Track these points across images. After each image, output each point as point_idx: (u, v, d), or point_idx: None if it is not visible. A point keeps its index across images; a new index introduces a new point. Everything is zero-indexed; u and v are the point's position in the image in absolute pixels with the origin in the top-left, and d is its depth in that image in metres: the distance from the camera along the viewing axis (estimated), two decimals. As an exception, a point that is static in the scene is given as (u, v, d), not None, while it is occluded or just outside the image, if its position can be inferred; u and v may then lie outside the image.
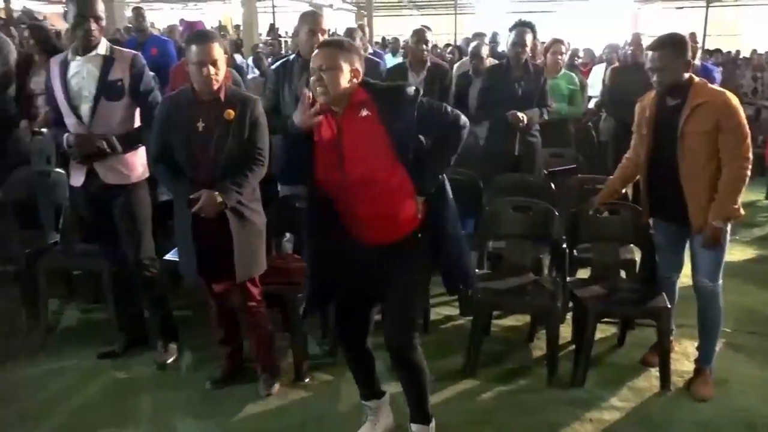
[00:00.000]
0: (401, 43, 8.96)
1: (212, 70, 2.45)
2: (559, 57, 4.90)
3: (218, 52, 2.47)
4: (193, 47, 2.45)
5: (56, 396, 2.80)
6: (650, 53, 2.65)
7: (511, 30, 3.95)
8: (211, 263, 2.61)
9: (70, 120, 2.80)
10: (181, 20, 4.83)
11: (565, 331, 3.17)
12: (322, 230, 2.22)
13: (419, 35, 4.14)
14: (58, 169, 3.70)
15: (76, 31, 2.73)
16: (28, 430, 2.56)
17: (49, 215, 3.66)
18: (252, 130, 2.57)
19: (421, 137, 2.13)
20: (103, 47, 2.79)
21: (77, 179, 2.88)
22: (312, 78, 2.06)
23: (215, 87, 2.49)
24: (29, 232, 3.65)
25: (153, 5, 22.34)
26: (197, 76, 2.45)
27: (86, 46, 2.75)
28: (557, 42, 5.03)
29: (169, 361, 3.04)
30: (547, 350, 2.91)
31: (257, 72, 8.60)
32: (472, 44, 4.94)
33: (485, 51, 4.83)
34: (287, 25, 20.30)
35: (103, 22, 2.78)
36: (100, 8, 2.76)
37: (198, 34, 2.55)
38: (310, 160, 2.11)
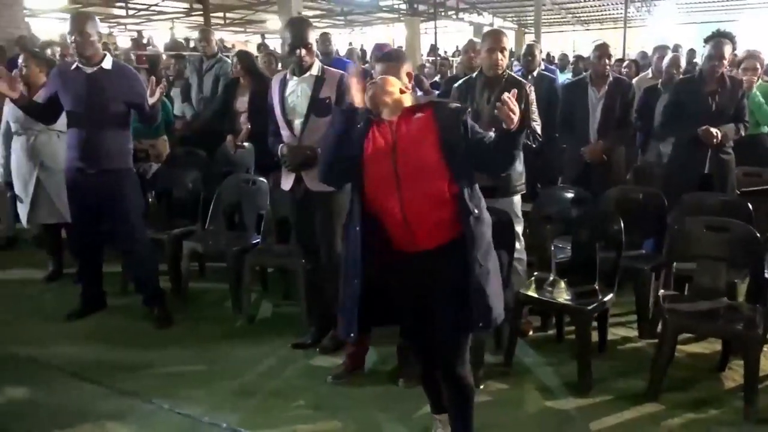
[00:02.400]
0: (570, 59, 8.78)
1: None
2: (751, 73, 4.44)
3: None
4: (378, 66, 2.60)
5: (260, 377, 3.12)
6: None
7: (707, 41, 3.73)
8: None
9: (284, 132, 3.14)
10: (376, 44, 5.34)
11: (765, 364, 2.93)
12: (373, 247, 2.16)
13: (601, 50, 4.06)
14: (261, 178, 4.16)
15: (291, 57, 3.07)
16: (239, 403, 2.89)
17: (251, 218, 4.11)
18: None
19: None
20: (315, 68, 3.10)
21: (287, 184, 3.22)
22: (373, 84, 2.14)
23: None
24: (235, 233, 4.15)
25: (324, 30, 24.00)
26: None
27: (300, 69, 3.08)
28: (751, 57, 4.59)
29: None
30: (745, 380, 2.71)
31: (419, 92, 8.88)
32: (667, 58, 4.69)
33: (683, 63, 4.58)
34: (447, 45, 20.68)
35: (314, 47, 3.09)
36: (310, 37, 3.08)
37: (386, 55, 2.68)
38: (356, 158, 2.13)
